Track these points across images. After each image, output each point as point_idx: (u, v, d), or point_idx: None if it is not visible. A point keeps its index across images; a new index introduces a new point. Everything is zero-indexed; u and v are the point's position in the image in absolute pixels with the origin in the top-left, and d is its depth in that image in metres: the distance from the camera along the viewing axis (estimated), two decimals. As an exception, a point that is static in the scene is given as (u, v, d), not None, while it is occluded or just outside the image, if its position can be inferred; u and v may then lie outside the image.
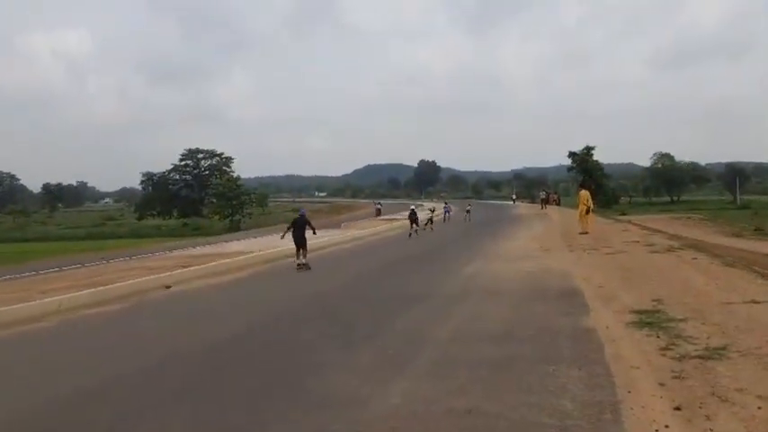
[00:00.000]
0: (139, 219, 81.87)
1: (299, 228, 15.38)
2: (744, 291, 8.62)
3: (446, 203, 42.60)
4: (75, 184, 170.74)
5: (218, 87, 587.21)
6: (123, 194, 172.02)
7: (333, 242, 22.89)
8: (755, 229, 35.08)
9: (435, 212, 32.13)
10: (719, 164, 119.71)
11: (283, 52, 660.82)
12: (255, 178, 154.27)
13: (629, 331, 6.62)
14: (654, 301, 8.19)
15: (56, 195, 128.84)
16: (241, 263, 16.69)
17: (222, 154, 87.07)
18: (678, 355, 5.52)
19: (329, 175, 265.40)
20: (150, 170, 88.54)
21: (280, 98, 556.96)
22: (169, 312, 10.40)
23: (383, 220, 40.65)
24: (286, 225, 16.49)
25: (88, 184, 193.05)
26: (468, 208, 40.96)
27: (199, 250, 24.17)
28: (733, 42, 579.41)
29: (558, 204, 57.29)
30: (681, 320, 6.89)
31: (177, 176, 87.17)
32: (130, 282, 12.75)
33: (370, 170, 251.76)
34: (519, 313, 8.17)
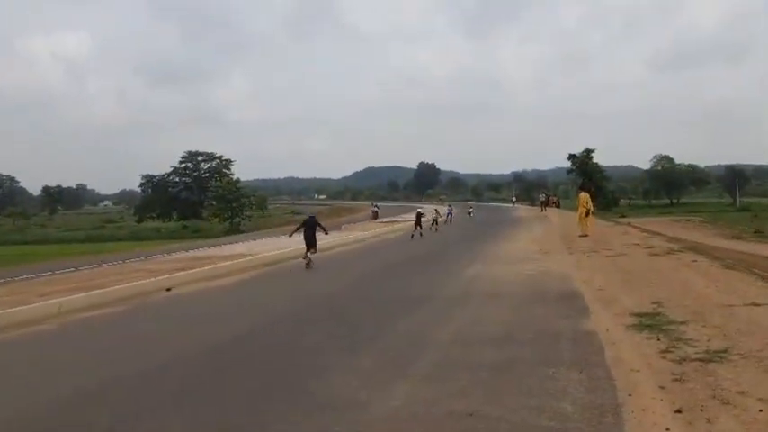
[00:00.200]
0: (139, 221, 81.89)
1: (309, 228, 16.12)
2: (744, 293, 8.62)
3: (449, 205, 43.81)
4: (74, 186, 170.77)
5: (217, 89, 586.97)
6: (123, 197, 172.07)
7: (334, 244, 22.86)
8: (755, 232, 35.16)
9: (439, 214, 33.22)
10: (719, 166, 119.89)
11: (283, 54, 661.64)
12: (255, 180, 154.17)
13: (630, 334, 6.62)
14: (654, 303, 8.19)
15: (55, 198, 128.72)
16: (242, 265, 16.68)
17: (222, 156, 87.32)
18: (679, 358, 5.51)
19: (329, 177, 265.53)
20: (150, 172, 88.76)
21: (279, 100, 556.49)
22: (169, 315, 10.39)
23: (381, 222, 40.59)
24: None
25: (88, 187, 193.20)
26: (471, 210, 42.15)
27: (199, 252, 24.17)
28: (732, 44, 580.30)
29: (558, 207, 57.33)
30: (681, 323, 6.89)
31: (177, 179, 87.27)
32: (131, 284, 12.74)
33: (370, 173, 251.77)
34: (519, 316, 8.17)
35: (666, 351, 5.78)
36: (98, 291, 11.88)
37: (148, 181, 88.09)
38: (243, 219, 65.33)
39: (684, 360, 5.45)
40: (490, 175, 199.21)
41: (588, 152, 75.46)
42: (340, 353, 6.58)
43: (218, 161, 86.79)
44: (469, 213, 40.45)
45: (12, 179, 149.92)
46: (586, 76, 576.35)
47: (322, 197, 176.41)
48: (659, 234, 23.67)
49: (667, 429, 4.01)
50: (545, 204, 53.01)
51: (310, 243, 16.04)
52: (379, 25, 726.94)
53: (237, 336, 7.96)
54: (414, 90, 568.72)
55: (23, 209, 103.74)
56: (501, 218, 44.62)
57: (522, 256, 16.20)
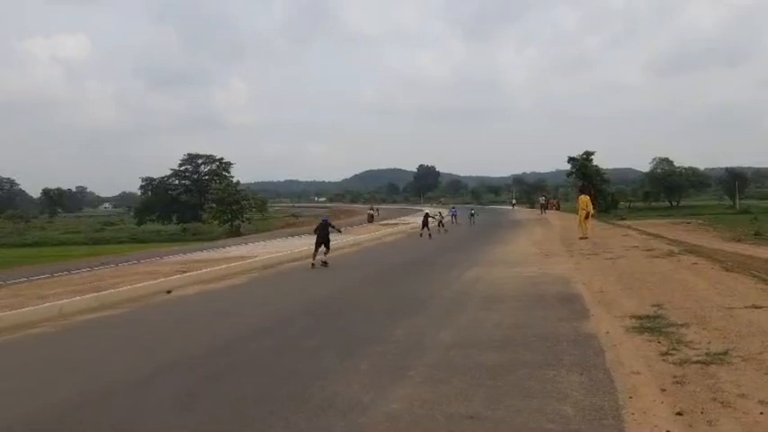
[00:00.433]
0: (139, 224, 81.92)
1: (322, 229, 17.10)
2: (744, 296, 8.62)
3: (453, 207, 46.14)
4: (74, 189, 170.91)
5: (217, 92, 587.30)
6: (123, 199, 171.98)
7: (334, 247, 22.77)
8: (755, 234, 35.16)
9: (444, 216, 34.99)
10: (719, 169, 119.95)
11: (282, 57, 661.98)
12: (255, 183, 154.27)
13: (630, 336, 6.62)
14: (654, 306, 8.19)
15: (55, 200, 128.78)
16: (242, 268, 16.68)
17: (222, 159, 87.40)
18: (679, 361, 5.51)
19: (328, 180, 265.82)
20: (150, 175, 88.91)
21: (279, 103, 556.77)
22: (170, 318, 10.37)
23: (381, 225, 40.54)
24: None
25: (87, 189, 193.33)
26: (473, 212, 43.76)
27: (199, 255, 24.15)
28: (732, 47, 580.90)
29: (558, 209, 57.40)
30: (681, 325, 6.89)
31: (177, 181, 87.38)
32: (131, 287, 12.73)
33: (370, 175, 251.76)
34: (519, 318, 8.16)
35: (667, 353, 5.78)
36: (98, 293, 11.88)
37: (148, 183, 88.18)
38: (243, 221, 65.31)
39: (685, 362, 5.44)
40: (490, 177, 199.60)
41: (588, 155, 75.47)
42: (339, 356, 6.57)
43: (217, 164, 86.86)
44: (472, 215, 42.61)
45: (11, 182, 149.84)
46: (586, 79, 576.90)
47: (322, 200, 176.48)
48: (659, 236, 23.68)
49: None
50: (545, 207, 53.09)
51: (323, 243, 16.89)
52: (378, 28, 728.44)
53: (238, 338, 7.95)
54: (413, 92, 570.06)
55: (23, 211, 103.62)
56: (501, 220, 44.69)
57: (522, 259, 16.20)
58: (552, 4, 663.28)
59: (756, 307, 7.68)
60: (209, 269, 15.87)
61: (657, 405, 4.46)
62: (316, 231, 17.30)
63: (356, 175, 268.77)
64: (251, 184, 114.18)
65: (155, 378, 6.18)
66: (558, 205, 62.72)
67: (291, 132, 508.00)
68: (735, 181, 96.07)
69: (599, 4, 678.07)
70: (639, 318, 7.48)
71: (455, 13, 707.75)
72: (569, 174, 79.21)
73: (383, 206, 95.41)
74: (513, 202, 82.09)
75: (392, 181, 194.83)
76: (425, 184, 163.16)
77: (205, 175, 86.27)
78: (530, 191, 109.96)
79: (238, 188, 70.99)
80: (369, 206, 66.38)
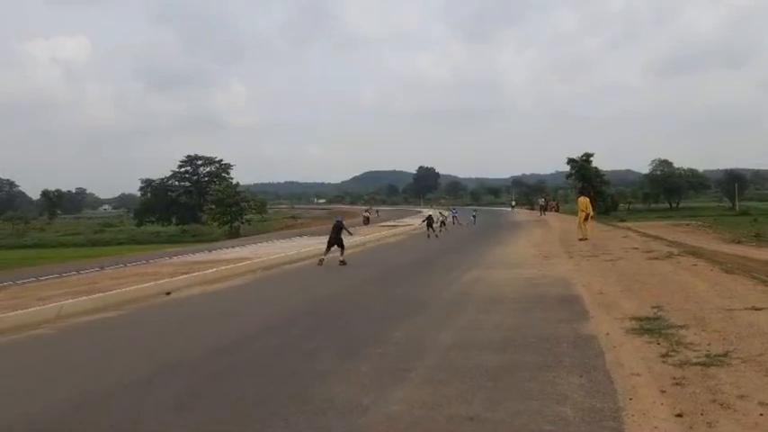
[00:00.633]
0: (138, 225, 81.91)
1: (335, 230, 17.84)
2: (744, 297, 8.62)
3: (454, 209, 47.00)
4: (74, 190, 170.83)
5: (217, 94, 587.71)
6: (122, 201, 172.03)
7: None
8: (755, 236, 35.15)
9: (446, 217, 36.16)
10: (718, 170, 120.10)
11: (282, 59, 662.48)
12: (255, 184, 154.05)
13: (630, 338, 6.62)
14: (654, 307, 8.19)
15: (55, 202, 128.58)
16: (242, 269, 16.67)
17: (221, 160, 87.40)
18: (679, 362, 5.51)
19: (328, 181, 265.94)
20: (149, 177, 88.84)
21: (279, 104, 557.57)
22: (169, 319, 10.37)
23: (381, 227, 40.52)
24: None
25: (87, 191, 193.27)
26: (474, 213, 45.52)
27: (198, 256, 24.15)
28: (731, 49, 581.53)
29: (557, 211, 57.43)
30: (681, 327, 6.89)
31: (176, 183, 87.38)
32: (130, 288, 12.72)
33: (369, 177, 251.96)
34: (519, 320, 8.16)
35: (667, 355, 5.78)
36: (98, 294, 11.87)
37: (148, 185, 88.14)
38: (242, 223, 65.33)
39: (685, 364, 5.44)
40: (489, 179, 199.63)
41: (587, 156, 75.53)
42: (339, 357, 6.57)
43: (217, 165, 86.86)
44: (474, 216, 44.37)
45: (11, 183, 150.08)
46: (585, 80, 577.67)
47: (321, 201, 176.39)
48: (659, 238, 23.68)
49: (668, 434, 4.00)
50: (544, 208, 53.12)
51: (336, 243, 17.72)
52: (378, 30, 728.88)
53: (239, 339, 7.95)
54: (413, 94, 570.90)
55: (22, 213, 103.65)
56: (500, 222, 44.74)
57: (522, 260, 16.21)
58: (552, 6, 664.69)
59: (756, 308, 7.68)
60: (209, 270, 15.86)
61: (657, 407, 4.47)
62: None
63: (356, 177, 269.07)
64: (250, 185, 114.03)
65: (155, 378, 6.17)
66: (558, 207, 62.75)
67: (291, 134, 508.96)
68: (734, 183, 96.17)
69: (598, 6, 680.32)
70: (639, 319, 7.48)
71: (455, 15, 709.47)
72: (569, 175, 79.25)
73: (383, 207, 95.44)
74: (513, 203, 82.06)
75: (392, 182, 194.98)
76: (425, 186, 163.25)
77: (205, 177, 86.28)
78: (529, 192, 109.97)
79: (238, 190, 71.02)
80: (365, 208, 65.98)
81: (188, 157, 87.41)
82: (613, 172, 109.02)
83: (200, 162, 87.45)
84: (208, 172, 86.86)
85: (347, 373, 5.92)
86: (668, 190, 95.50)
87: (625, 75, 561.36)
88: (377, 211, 73.68)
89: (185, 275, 14.98)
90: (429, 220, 30.18)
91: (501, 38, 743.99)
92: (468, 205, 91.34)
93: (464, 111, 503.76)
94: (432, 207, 69.75)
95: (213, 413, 5.00)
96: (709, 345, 6.06)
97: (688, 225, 48.26)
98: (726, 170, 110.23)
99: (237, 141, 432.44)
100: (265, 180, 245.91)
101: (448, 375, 5.62)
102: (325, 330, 8.39)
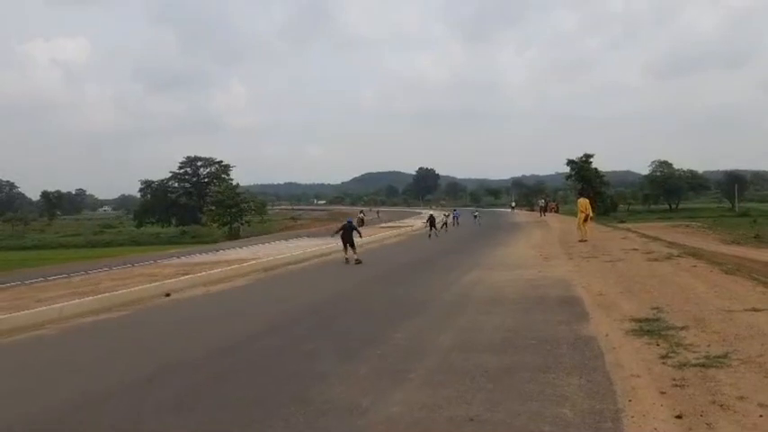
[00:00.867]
0: (138, 226, 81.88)
1: (347, 231, 18.78)
2: (744, 298, 8.63)
3: (455, 210, 48.22)
4: (73, 191, 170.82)
5: (216, 95, 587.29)
6: (122, 202, 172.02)
7: (338, 249, 22.73)
8: (755, 237, 35.18)
9: (448, 217, 37.88)
10: (718, 171, 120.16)
11: (282, 60, 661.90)
12: (254, 186, 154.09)
13: (629, 339, 6.63)
14: (653, 308, 8.20)
15: (54, 203, 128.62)
16: (241, 270, 16.69)
17: (221, 161, 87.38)
18: (678, 364, 5.52)
19: (328, 182, 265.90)
20: (149, 178, 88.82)
21: (279, 106, 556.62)
22: (169, 320, 10.38)
23: (381, 228, 40.54)
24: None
25: (87, 192, 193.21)
26: (476, 214, 47.54)
27: (198, 257, 24.17)
28: (731, 50, 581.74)
29: (557, 212, 57.45)
30: (681, 328, 6.90)
31: (176, 184, 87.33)
32: (130, 289, 12.73)
33: (369, 178, 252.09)
34: (519, 321, 8.17)
35: (666, 356, 5.78)
36: (98, 296, 11.89)
37: (147, 186, 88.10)
38: (242, 224, 65.33)
39: (684, 365, 5.45)
40: (489, 180, 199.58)
41: (587, 157, 75.64)
42: (339, 358, 6.58)
43: (217, 166, 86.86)
44: (475, 217, 46.00)
45: (11, 184, 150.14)
46: (585, 81, 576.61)
47: (321, 202, 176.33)
48: (658, 239, 23.69)
49: (667, 435, 4.01)
50: (544, 210, 53.13)
51: (348, 242, 18.64)
52: (377, 30, 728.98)
53: (237, 341, 7.96)
54: (413, 95, 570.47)
55: (22, 214, 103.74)
56: (500, 223, 44.76)
57: (522, 262, 16.22)
58: (552, 7, 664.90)
59: (756, 310, 7.69)
60: (209, 271, 15.88)
61: (657, 408, 4.47)
62: (341, 230, 19.01)
63: (355, 178, 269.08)
64: (250, 186, 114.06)
65: (156, 379, 6.19)
66: (558, 208, 62.75)
67: (291, 135, 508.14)
68: (734, 184, 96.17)
69: (598, 7, 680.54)
70: (639, 321, 7.48)
71: (455, 15, 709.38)
72: (568, 176, 79.38)
73: (383, 208, 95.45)
74: (513, 204, 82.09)
75: (391, 183, 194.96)
76: (425, 187, 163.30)
77: (204, 178, 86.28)
78: (529, 193, 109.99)
79: (237, 191, 71.01)
80: (360, 209, 65.05)
81: (188, 158, 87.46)
82: (613, 173, 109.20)
83: (199, 163, 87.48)
84: (208, 173, 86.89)
85: (347, 374, 5.93)
86: (668, 191, 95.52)
87: (625, 75, 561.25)
88: (377, 212, 73.70)
89: (186, 276, 15.00)
90: (431, 220, 30.84)
91: (501, 38, 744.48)
92: (467, 206, 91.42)
93: (464, 111, 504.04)
94: (431, 208, 69.83)
95: (213, 413, 5.01)
96: (708, 346, 6.07)
97: (687, 226, 48.28)
98: (725, 171, 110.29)
99: (237, 142, 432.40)
100: (265, 181, 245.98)
101: (448, 377, 5.63)
102: (326, 332, 8.39)
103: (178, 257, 25.51)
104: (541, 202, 57.47)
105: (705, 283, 10.48)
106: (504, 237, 28.21)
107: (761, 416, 4.21)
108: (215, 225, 66.41)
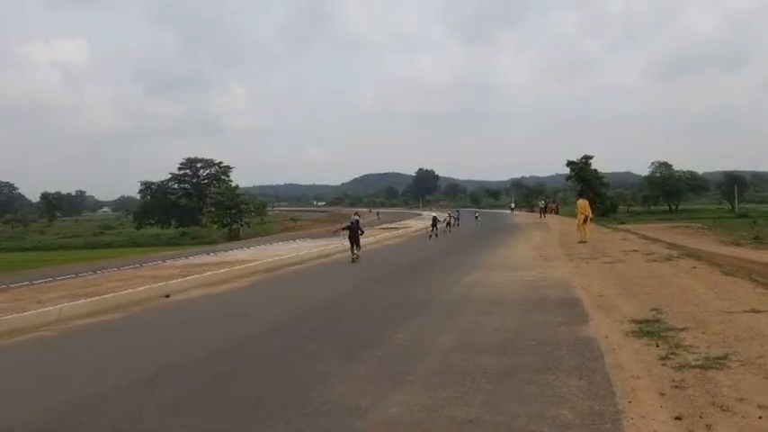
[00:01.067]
0: (138, 228, 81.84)
1: (353, 231, 19.72)
2: (743, 300, 8.64)
3: (457, 211, 48.63)
4: (73, 193, 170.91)
5: (216, 96, 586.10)
6: (122, 204, 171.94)
7: (340, 249, 22.75)
8: (754, 238, 35.20)
9: (451, 218, 38.51)
10: (717, 172, 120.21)
11: (281, 61, 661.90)
12: (254, 187, 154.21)
13: (629, 341, 6.63)
14: (653, 310, 8.20)
15: (54, 204, 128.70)
16: (241, 272, 16.68)
17: (221, 163, 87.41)
18: (678, 365, 5.52)
19: (328, 183, 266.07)
20: (149, 179, 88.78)
21: (278, 107, 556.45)
22: (168, 322, 10.38)
23: (382, 229, 40.53)
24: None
25: (87, 194, 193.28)
26: (477, 215, 49.41)
27: (198, 259, 24.17)
28: (731, 51, 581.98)
29: (557, 213, 57.45)
30: (681, 330, 6.90)
31: (176, 185, 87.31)
32: (130, 291, 12.73)
33: (369, 179, 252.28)
34: (519, 322, 8.17)
35: (666, 358, 5.79)
36: (97, 297, 11.88)
37: (147, 188, 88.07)
38: (242, 225, 65.34)
39: (684, 367, 5.45)
40: (489, 181, 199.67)
41: (587, 159, 75.74)
42: (339, 360, 6.59)
43: (217, 168, 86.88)
44: (476, 218, 47.50)
45: (10, 186, 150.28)
46: (585, 82, 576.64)
47: (321, 203, 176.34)
48: (658, 240, 23.71)
49: (667, 436, 4.02)
50: (544, 211, 53.12)
51: (354, 241, 19.54)
52: (377, 32, 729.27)
53: (237, 342, 7.95)
54: (412, 96, 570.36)
55: (22, 215, 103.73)
56: (500, 224, 44.70)
57: (522, 263, 16.22)
58: (551, 8, 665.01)
59: (756, 311, 7.70)
60: (210, 273, 15.88)
61: (656, 409, 4.48)
62: (346, 229, 20.20)
63: (355, 179, 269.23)
64: (250, 187, 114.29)
65: (156, 380, 6.19)
66: (557, 209, 62.75)
67: (291, 136, 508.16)
68: (734, 185, 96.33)
69: (598, 8, 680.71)
70: (639, 322, 7.49)
71: (454, 17, 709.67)
72: (568, 177, 79.48)
73: (383, 210, 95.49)
74: (512, 205, 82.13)
75: (391, 184, 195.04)
76: (424, 188, 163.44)
77: (204, 179, 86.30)
78: (529, 194, 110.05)
79: (237, 192, 71.04)
80: (354, 211, 63.04)
81: (187, 159, 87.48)
82: (613, 174, 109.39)
83: (199, 165, 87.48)
84: (207, 174, 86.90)
85: (348, 375, 5.93)
86: (667, 192, 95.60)
87: (625, 77, 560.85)
88: (377, 214, 73.66)
89: (186, 278, 14.99)
90: (434, 220, 31.74)
91: (500, 39, 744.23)
92: (466, 207, 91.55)
93: (464, 112, 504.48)
94: (431, 209, 69.69)
95: (214, 414, 5.01)
96: (708, 347, 6.08)
97: (687, 227, 48.35)
98: (725, 172, 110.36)
99: (237, 144, 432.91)
100: (265, 182, 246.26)
101: (447, 378, 5.63)
102: (326, 333, 8.39)
103: (178, 259, 25.51)
104: (541, 204, 57.45)
105: (705, 284, 10.49)
106: (504, 238, 28.20)
107: (760, 417, 4.21)
108: (215, 226, 66.48)
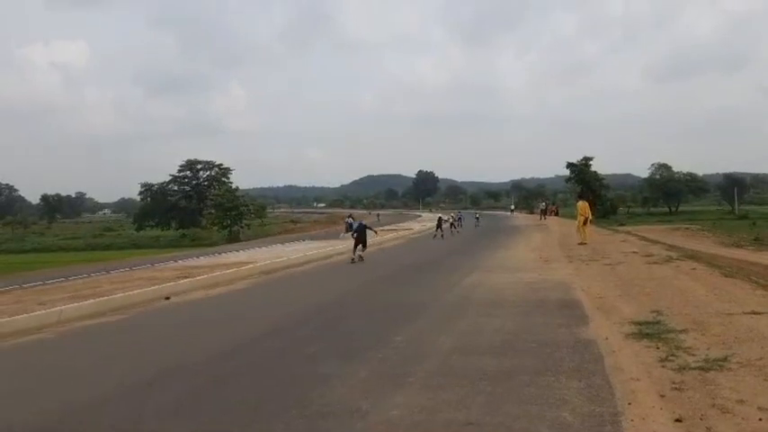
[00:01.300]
0: (138, 230, 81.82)
1: (360, 231, 19.89)
2: (743, 301, 8.64)
3: (459, 212, 49.74)
4: (73, 195, 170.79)
5: (216, 98, 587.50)
6: (122, 205, 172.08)
7: (341, 251, 22.75)
8: (754, 240, 35.20)
9: (455, 219, 39.08)
10: (717, 174, 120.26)
11: (281, 63, 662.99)
12: (254, 189, 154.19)
13: (629, 342, 6.63)
14: (653, 311, 8.20)
15: (54, 206, 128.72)
16: (241, 273, 16.68)
17: (221, 164, 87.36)
18: (678, 367, 5.52)
19: (328, 185, 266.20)
20: (149, 181, 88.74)
21: (278, 109, 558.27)
22: (169, 324, 10.37)
23: (382, 230, 40.46)
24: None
25: (87, 195, 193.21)
26: (478, 216, 50.08)
27: (198, 261, 24.17)
28: (730, 53, 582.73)
29: (557, 215, 57.44)
30: (680, 331, 6.90)
31: (176, 187, 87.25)
32: (130, 293, 12.72)
33: (369, 181, 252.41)
34: (519, 324, 8.17)
35: (666, 360, 5.79)
36: (97, 299, 11.87)
37: (147, 189, 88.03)
38: (242, 227, 65.32)
39: (684, 369, 5.46)
40: (489, 183, 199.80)
41: (587, 160, 75.74)
42: (339, 361, 6.58)
43: (217, 169, 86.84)
44: (477, 219, 48.24)
45: (10, 188, 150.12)
46: (585, 84, 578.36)
47: (321, 205, 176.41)
48: (658, 242, 23.71)
49: (667, 438, 4.02)
50: (544, 213, 53.12)
51: (361, 242, 19.68)
52: (377, 34, 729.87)
53: (237, 344, 7.95)
54: (412, 98, 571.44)
55: (22, 217, 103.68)
56: (500, 226, 44.72)
57: (522, 264, 16.22)
58: (551, 10, 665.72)
59: (756, 313, 7.70)
60: (210, 274, 15.88)
61: (656, 411, 4.48)
62: (347, 231, 21.11)
63: (355, 181, 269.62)
64: (250, 189, 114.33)
65: (156, 382, 6.18)
66: (558, 211, 62.76)
67: (291, 138, 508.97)
68: (733, 186, 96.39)
69: (598, 11, 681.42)
70: (638, 324, 7.49)
71: (454, 19, 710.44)
72: (568, 179, 79.46)
73: (383, 212, 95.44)
74: (512, 207, 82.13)
75: (391, 186, 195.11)
76: (424, 190, 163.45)
77: (204, 181, 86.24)
78: (529, 196, 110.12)
79: (237, 194, 71.02)
80: (347, 213, 55.02)
81: (187, 161, 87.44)
82: (613, 176, 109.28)
83: (199, 166, 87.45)
84: (207, 176, 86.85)
85: (348, 377, 5.92)
86: (667, 194, 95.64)
87: (624, 78, 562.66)
88: (378, 215, 73.62)
89: (186, 280, 14.99)
90: (439, 221, 32.93)
91: (500, 41, 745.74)
92: (466, 209, 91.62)
93: (463, 114, 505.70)
94: (431, 211, 69.70)
95: (214, 416, 5.01)
96: (708, 349, 6.08)
97: (687, 229, 48.37)
98: (725, 174, 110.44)
99: (237, 145, 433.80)
100: (265, 184, 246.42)
101: (447, 380, 5.63)
102: (326, 335, 8.39)
103: (178, 261, 25.51)
104: (542, 206, 57.49)
105: (705, 286, 10.49)
106: (505, 239, 28.21)
107: (760, 419, 4.21)
108: (215, 228, 66.45)
